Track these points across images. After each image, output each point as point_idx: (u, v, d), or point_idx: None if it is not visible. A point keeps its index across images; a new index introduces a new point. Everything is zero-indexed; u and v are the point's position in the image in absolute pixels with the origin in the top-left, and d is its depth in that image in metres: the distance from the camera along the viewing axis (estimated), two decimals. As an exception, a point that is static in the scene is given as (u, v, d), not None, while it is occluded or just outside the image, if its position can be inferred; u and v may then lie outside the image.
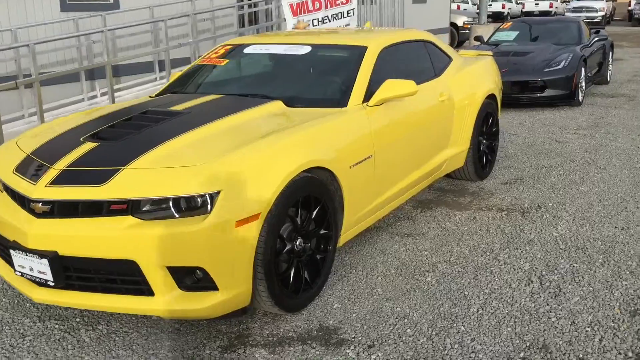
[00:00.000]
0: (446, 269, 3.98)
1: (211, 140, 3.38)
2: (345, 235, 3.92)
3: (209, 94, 4.31)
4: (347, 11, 9.42)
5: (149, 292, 3.05)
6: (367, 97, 4.14)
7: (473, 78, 5.54)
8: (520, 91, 9.44)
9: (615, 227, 4.62)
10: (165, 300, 3.04)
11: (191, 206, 3.00)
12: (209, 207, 2.98)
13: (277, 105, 3.98)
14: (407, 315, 3.44)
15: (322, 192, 3.53)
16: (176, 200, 2.99)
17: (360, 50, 4.43)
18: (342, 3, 9.30)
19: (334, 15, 9.22)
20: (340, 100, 4.06)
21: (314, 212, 3.52)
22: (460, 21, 20.33)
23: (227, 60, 4.74)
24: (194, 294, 3.06)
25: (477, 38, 11.84)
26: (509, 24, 11.83)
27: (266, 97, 4.13)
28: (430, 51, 5.23)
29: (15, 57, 6.77)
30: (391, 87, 4.14)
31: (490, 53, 6.53)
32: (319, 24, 8.95)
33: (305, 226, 3.49)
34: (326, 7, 9.01)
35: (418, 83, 4.74)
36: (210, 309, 3.06)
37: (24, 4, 7.24)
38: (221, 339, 3.27)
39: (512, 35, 11.21)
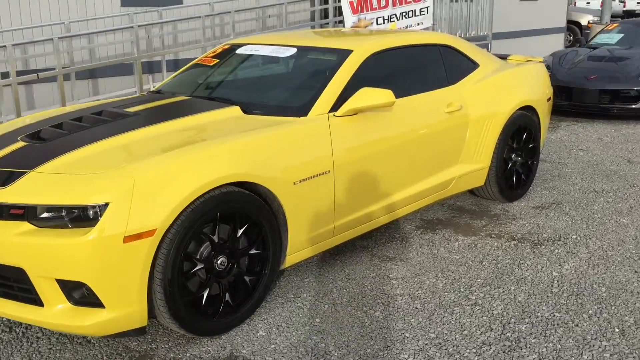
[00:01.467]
0: (403, 304, 3.54)
1: (130, 147, 3.21)
2: (296, 255, 3.60)
3: (179, 95, 4.15)
4: (420, 9, 8.93)
5: (39, 302, 2.93)
6: (339, 106, 3.78)
7: (500, 87, 4.94)
8: (610, 101, 8.47)
9: (636, 271, 3.92)
10: (53, 312, 2.91)
11: (84, 217, 2.84)
12: (99, 219, 2.81)
13: (231, 112, 3.73)
14: (327, 354, 3.07)
15: (253, 209, 3.24)
16: (69, 209, 2.85)
17: (343, 55, 4.06)
18: (414, 0, 8.82)
19: (404, 14, 8.76)
20: (301, 108, 3.73)
21: (240, 231, 3.24)
22: (584, 20, 18.84)
23: (217, 61, 4.54)
24: (82, 309, 2.90)
25: (577, 40, 10.81)
26: (615, 25, 10.68)
27: (229, 101, 3.89)
28: (446, 57, 4.72)
29: (68, 49, 7.02)
30: (364, 96, 3.75)
31: (541, 59, 5.83)
32: (384, 23, 8.53)
33: (229, 245, 3.22)
34: (394, 4, 8.57)
35: (418, 92, 4.33)
36: (96, 327, 2.88)
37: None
38: (122, 358, 3.09)
39: (616, 38, 10.10)
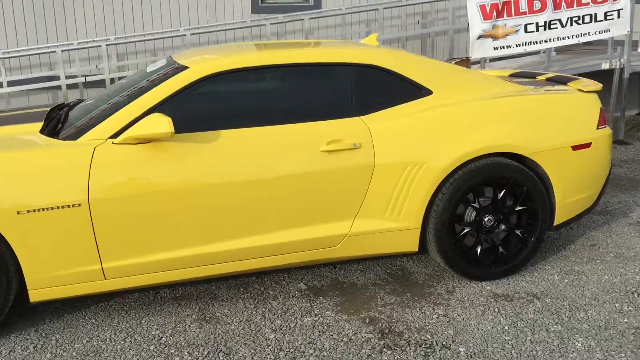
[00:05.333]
0: (105, 376, 2.94)
1: None
2: (43, 292, 3.22)
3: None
4: (606, 13, 7.01)
5: None
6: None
7: (450, 123, 3.61)
8: None
9: None
10: None
11: None
12: None
13: (30, 128, 3.55)
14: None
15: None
16: None
17: (175, 73, 3.48)
18: (593, 2, 6.96)
19: (575, 19, 6.99)
20: (78, 131, 3.34)
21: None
22: None
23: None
24: None
25: None
26: None
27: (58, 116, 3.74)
28: (363, 80, 3.64)
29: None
30: (147, 123, 3.19)
31: (597, 87, 4.04)
32: (537, 30, 6.92)
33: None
34: (557, 7, 6.90)
35: (282, 122, 3.49)
36: None
37: (214, 5, 7.80)
38: None
39: None
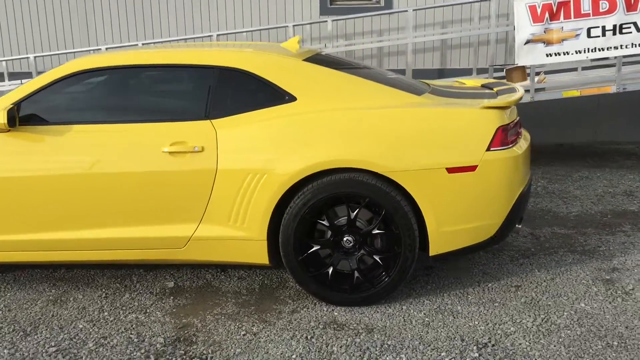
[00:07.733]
0: None
1: None
2: None
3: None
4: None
5: None
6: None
7: (300, 132, 3.39)
8: None
9: None
10: None
11: None
12: None
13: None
14: None
15: None
16: None
17: (57, 67, 3.75)
18: (681, 2, 5.84)
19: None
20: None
21: None
22: None
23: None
24: None
25: None
26: None
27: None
28: (223, 83, 3.55)
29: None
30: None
31: (501, 102, 3.42)
32: (604, 35, 5.98)
33: None
34: (631, 8, 5.91)
35: (130, 121, 3.59)
36: None
37: (283, 6, 7.93)
38: None
39: None
